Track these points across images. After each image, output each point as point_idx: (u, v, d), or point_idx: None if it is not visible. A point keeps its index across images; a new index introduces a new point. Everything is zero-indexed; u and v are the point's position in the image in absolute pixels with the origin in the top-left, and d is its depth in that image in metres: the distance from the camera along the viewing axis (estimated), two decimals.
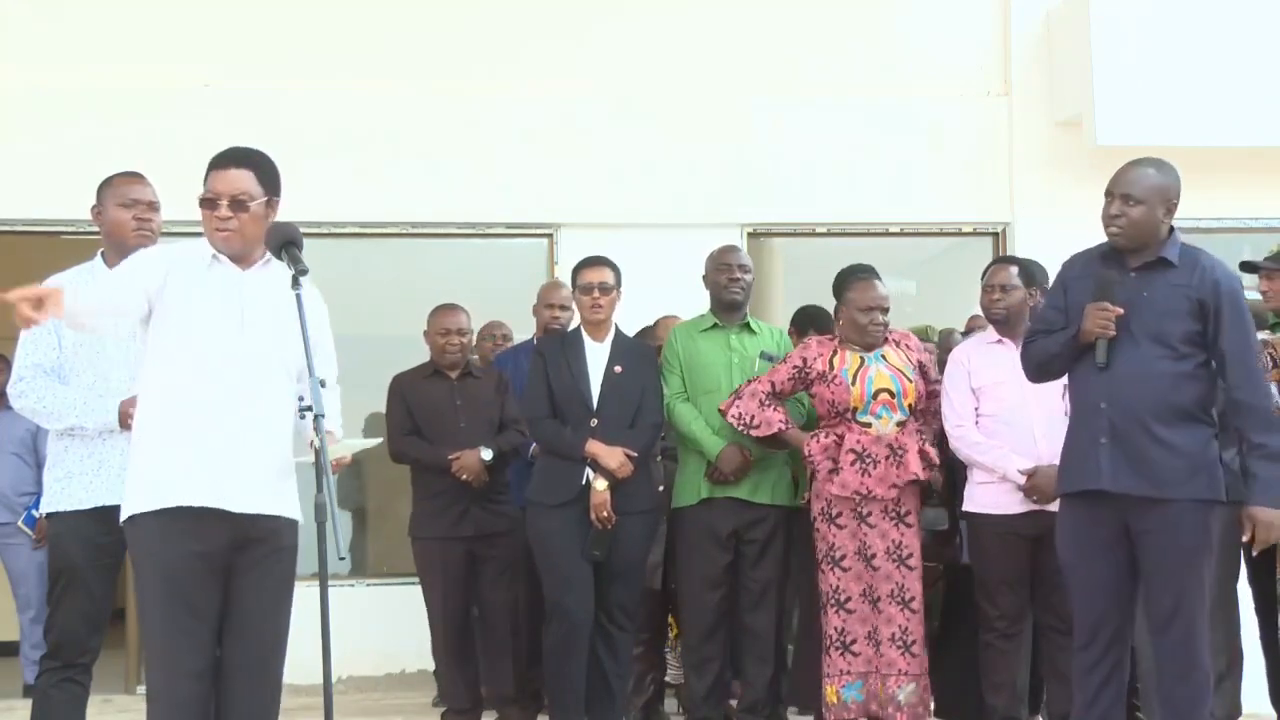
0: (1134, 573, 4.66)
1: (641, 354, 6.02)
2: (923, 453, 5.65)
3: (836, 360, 5.75)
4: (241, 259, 4.06)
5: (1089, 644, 4.71)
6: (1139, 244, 4.66)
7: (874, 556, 5.64)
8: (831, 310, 6.05)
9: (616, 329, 6.00)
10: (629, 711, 6.31)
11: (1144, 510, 4.57)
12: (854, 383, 5.69)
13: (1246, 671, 5.89)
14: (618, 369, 5.88)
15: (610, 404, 5.83)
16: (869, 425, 5.67)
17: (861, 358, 5.74)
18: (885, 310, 5.78)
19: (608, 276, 5.92)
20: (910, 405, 5.70)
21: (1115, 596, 4.67)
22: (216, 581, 3.94)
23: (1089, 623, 4.71)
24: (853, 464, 5.62)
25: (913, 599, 5.61)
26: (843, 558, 5.67)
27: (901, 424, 5.68)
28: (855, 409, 5.68)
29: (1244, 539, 4.73)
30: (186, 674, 3.90)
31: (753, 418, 5.76)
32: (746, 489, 5.95)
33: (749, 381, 5.86)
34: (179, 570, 3.88)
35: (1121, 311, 4.57)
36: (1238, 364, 4.58)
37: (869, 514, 5.64)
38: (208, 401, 3.92)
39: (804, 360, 5.79)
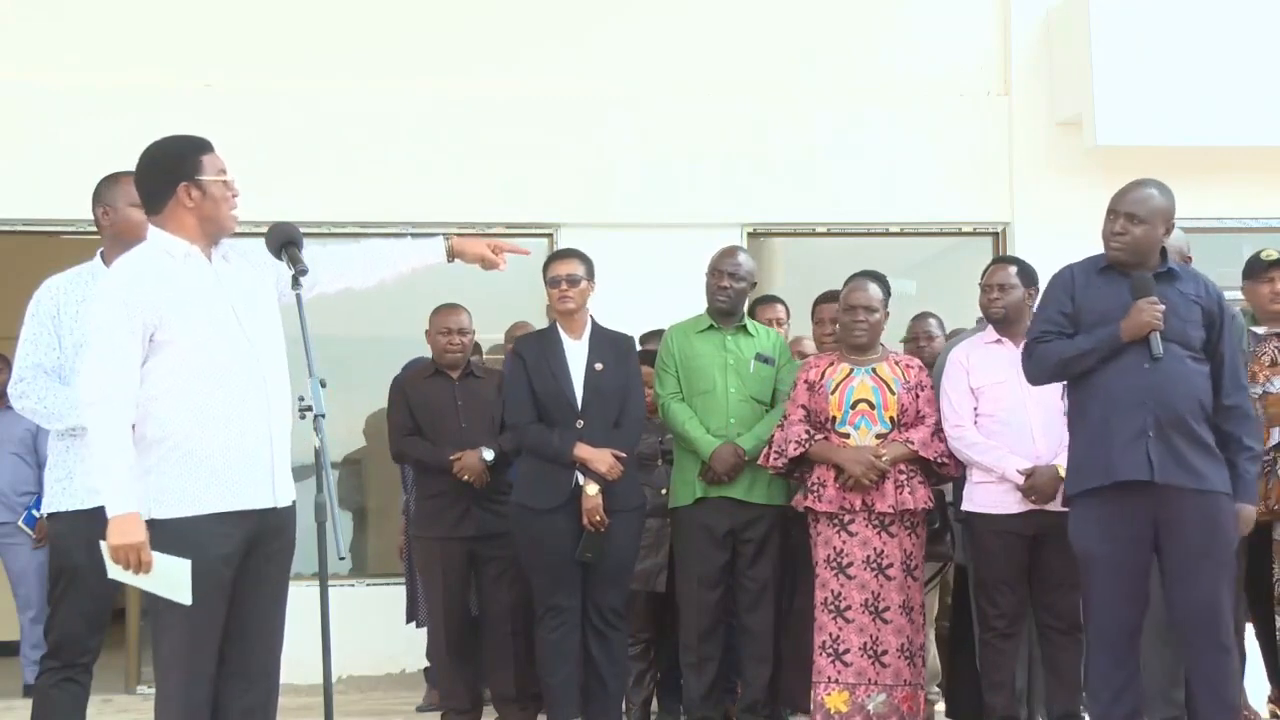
0: (1151, 571, 4.85)
1: (620, 348, 5.96)
2: (909, 481, 5.63)
3: (829, 371, 5.77)
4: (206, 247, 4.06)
5: (1112, 641, 4.83)
6: (1138, 261, 4.90)
7: (850, 565, 5.63)
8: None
9: (593, 322, 5.96)
10: (630, 710, 6.32)
11: (1183, 503, 4.75)
12: (834, 392, 5.71)
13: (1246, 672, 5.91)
14: (598, 366, 5.84)
15: (594, 404, 5.80)
16: (848, 436, 5.68)
17: (851, 369, 5.75)
18: (870, 310, 5.76)
19: (576, 269, 5.87)
20: (892, 418, 5.68)
21: (1141, 594, 4.85)
22: (230, 583, 3.95)
23: (1113, 619, 4.83)
24: (837, 477, 5.64)
25: (887, 609, 5.60)
26: (814, 564, 5.72)
27: (881, 436, 5.66)
28: (834, 418, 5.69)
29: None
30: (204, 676, 3.92)
31: (786, 443, 5.71)
32: (741, 488, 5.95)
33: (780, 427, 5.79)
34: (208, 575, 3.88)
35: (1163, 307, 4.79)
36: (1231, 371, 4.92)
37: (850, 522, 5.64)
38: (230, 402, 3.92)
39: (807, 375, 5.81)
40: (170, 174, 3.99)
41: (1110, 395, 4.83)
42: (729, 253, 6.20)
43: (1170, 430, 4.75)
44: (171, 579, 3.83)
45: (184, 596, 3.83)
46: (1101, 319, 4.85)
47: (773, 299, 7.05)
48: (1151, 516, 4.78)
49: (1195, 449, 4.78)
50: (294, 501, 4.09)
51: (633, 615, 6.18)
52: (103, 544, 3.84)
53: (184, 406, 3.90)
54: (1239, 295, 6.08)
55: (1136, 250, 4.88)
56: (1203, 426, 4.81)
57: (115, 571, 3.87)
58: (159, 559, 3.81)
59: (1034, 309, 5.84)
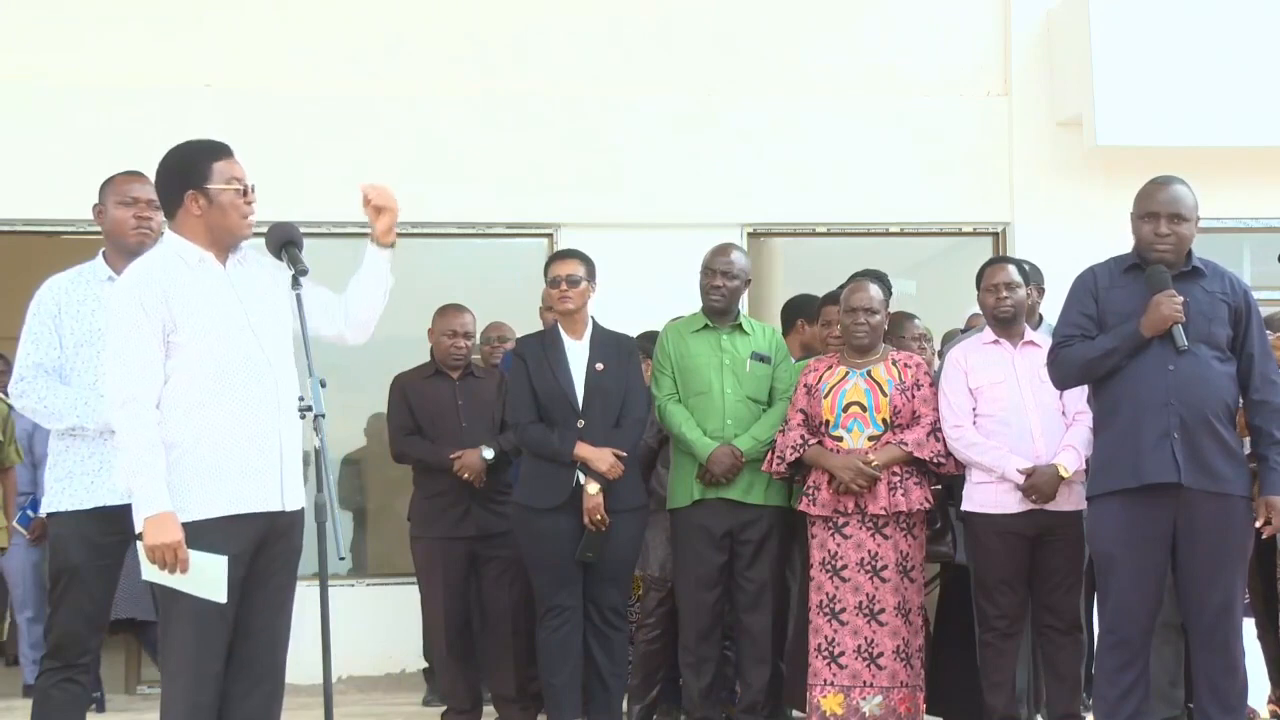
0: (1168, 572, 4.86)
1: (621, 348, 5.96)
2: (903, 483, 5.63)
3: (828, 374, 5.78)
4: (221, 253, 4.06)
5: (1125, 641, 4.85)
6: (1180, 260, 4.89)
7: (844, 568, 5.64)
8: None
9: (594, 323, 5.96)
10: (633, 710, 6.31)
11: (1201, 506, 4.76)
12: (827, 396, 5.72)
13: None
14: (599, 366, 5.85)
15: (595, 404, 5.81)
16: (841, 439, 5.69)
17: (847, 371, 5.75)
18: (871, 311, 5.74)
19: (576, 269, 5.87)
20: (884, 420, 5.68)
21: (1158, 595, 4.88)
22: (240, 584, 3.95)
23: (1130, 620, 4.84)
24: (829, 482, 5.65)
25: (882, 611, 5.61)
26: (808, 567, 5.74)
27: (874, 439, 5.66)
28: (827, 422, 5.70)
29: (1258, 524, 4.88)
30: (211, 677, 3.92)
31: (784, 448, 5.75)
32: (739, 490, 5.94)
33: (781, 432, 5.82)
34: None
35: (1183, 300, 4.78)
36: (1261, 367, 4.88)
37: (844, 525, 5.65)
38: (240, 406, 3.93)
39: (807, 379, 5.82)
40: (180, 181, 4.02)
41: (1135, 396, 4.83)
42: (722, 250, 6.16)
43: (1194, 432, 4.76)
44: (207, 577, 3.83)
45: (219, 595, 3.84)
46: (1127, 319, 4.85)
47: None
48: (1172, 518, 4.78)
49: (1218, 451, 4.79)
50: (303, 506, 4.09)
51: (651, 612, 6.23)
52: (139, 544, 3.84)
53: (195, 411, 3.91)
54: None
55: (1182, 250, 4.88)
56: (1227, 428, 4.81)
57: (150, 573, 3.86)
58: (195, 556, 3.82)
59: (1034, 307, 5.88)
